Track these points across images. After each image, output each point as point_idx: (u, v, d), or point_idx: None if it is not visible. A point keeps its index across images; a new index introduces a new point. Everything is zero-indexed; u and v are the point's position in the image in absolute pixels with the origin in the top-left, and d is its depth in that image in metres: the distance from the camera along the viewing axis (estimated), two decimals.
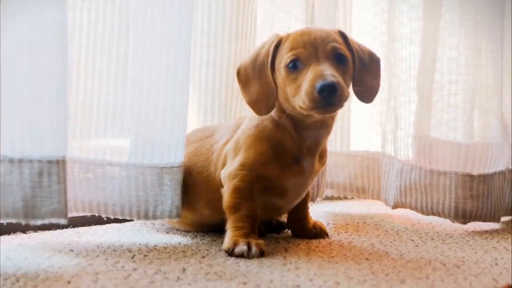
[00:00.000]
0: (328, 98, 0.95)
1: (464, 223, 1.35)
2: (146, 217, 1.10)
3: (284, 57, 1.02)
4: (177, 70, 1.10)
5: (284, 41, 1.04)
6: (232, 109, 1.36)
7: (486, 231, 1.32)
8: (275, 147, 1.06)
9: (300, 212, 1.19)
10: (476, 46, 1.40)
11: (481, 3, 1.39)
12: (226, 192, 1.06)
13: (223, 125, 1.22)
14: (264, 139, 1.07)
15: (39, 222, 0.94)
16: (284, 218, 1.25)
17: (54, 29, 0.95)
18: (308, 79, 0.97)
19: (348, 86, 1.02)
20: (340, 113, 1.56)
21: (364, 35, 1.58)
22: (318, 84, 0.95)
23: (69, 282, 0.83)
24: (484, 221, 1.35)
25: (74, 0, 1.09)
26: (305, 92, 0.97)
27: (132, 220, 1.25)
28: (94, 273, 0.88)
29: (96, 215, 1.12)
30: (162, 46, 1.09)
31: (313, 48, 1.00)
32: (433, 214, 1.37)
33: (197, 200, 1.14)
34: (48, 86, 0.95)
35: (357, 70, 1.06)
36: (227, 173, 1.07)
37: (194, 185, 1.13)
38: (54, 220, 0.95)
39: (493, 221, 1.37)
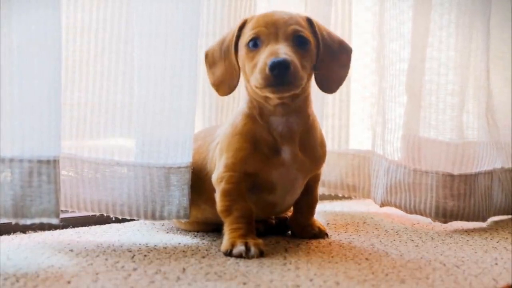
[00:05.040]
0: (280, 76, 0.96)
1: (445, 222, 1.35)
2: (153, 217, 1.11)
3: (246, 36, 1.03)
4: (183, 68, 1.09)
5: (248, 22, 1.06)
6: (224, 108, 1.35)
7: (486, 231, 1.32)
8: (251, 140, 1.06)
9: (302, 212, 1.18)
10: (464, 46, 1.39)
11: (471, 2, 1.38)
12: (217, 197, 1.07)
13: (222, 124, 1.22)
14: (238, 134, 1.07)
15: (29, 222, 0.94)
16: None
17: (46, 28, 0.95)
18: (262, 56, 0.99)
19: (306, 70, 1.02)
20: (339, 112, 1.58)
21: (362, 34, 1.58)
22: (270, 61, 0.96)
23: (69, 282, 0.83)
24: (467, 220, 1.35)
25: (83, 0, 1.10)
26: (258, 70, 0.98)
27: (133, 220, 1.25)
28: (94, 273, 0.88)
29: (97, 214, 1.12)
30: (168, 44, 1.08)
31: (274, 28, 1.01)
32: (416, 213, 1.37)
33: (198, 196, 1.14)
34: (40, 87, 0.94)
35: (322, 57, 1.06)
36: (215, 177, 1.07)
37: (196, 181, 1.13)
38: (45, 220, 0.94)
39: (477, 221, 1.36)
